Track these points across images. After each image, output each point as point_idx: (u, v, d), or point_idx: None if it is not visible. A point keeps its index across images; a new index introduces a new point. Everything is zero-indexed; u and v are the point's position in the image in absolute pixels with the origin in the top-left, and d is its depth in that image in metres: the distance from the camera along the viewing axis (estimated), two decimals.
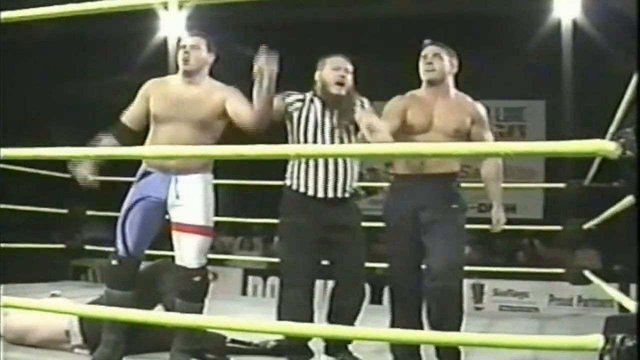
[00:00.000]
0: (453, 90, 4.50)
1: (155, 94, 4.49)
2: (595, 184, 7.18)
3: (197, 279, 4.33)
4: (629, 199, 3.72)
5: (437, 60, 4.42)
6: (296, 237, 4.66)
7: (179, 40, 4.65)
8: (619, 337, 1.79)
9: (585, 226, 7.09)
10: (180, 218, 4.36)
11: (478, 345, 2.11)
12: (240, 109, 4.36)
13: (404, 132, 4.37)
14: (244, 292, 10.67)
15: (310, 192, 4.68)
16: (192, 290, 4.35)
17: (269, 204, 5.41)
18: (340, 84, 4.65)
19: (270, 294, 10.49)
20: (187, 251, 4.33)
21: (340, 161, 4.65)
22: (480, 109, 4.51)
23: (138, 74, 15.68)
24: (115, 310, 3.64)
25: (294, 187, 4.73)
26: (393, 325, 4.39)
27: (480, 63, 13.80)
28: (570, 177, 11.68)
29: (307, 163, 4.65)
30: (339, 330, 3.43)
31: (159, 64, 14.41)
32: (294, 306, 4.60)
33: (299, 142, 4.66)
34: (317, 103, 4.73)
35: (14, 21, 2.60)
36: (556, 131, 13.85)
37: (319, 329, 3.75)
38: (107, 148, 3.07)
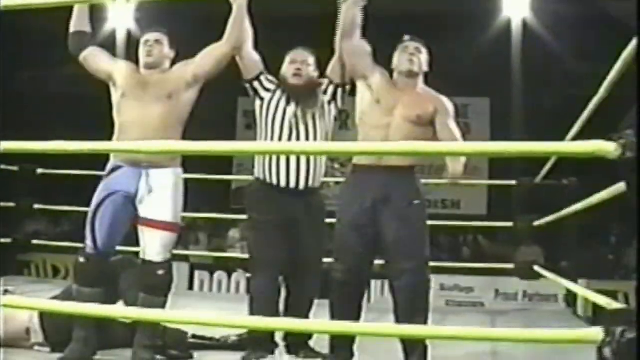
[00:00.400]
0: (421, 85, 4.58)
1: (120, 70, 4.48)
2: (546, 181, 7.29)
3: (160, 272, 4.33)
4: (600, 195, 3.76)
5: (418, 54, 4.53)
6: (268, 230, 4.66)
7: (141, 36, 4.60)
8: (619, 329, 1.84)
9: (536, 223, 7.20)
10: (147, 214, 4.34)
11: (470, 339, 2.14)
12: (207, 51, 4.51)
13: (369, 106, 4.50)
14: (191, 287, 10.60)
15: (282, 184, 4.69)
16: (156, 284, 4.34)
17: (215, 199, 5.41)
18: (297, 75, 4.75)
19: (217, 289, 10.46)
20: (152, 246, 4.33)
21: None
22: (445, 100, 4.54)
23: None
24: (83, 306, 3.59)
25: (262, 178, 4.75)
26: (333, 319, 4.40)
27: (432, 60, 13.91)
28: (514, 174, 11.90)
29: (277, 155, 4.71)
30: (300, 325, 3.40)
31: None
32: (271, 302, 4.63)
33: (265, 127, 4.75)
34: (283, 93, 4.78)
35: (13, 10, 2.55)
36: (500, 129, 14.04)
37: (285, 323, 3.74)
38: (112, 143, 3.02)
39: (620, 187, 2.27)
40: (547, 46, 13.61)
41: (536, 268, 7.17)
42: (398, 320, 4.26)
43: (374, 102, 4.47)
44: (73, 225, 13.43)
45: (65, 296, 4.57)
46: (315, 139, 4.69)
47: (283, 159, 4.66)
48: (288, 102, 4.73)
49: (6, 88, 13.74)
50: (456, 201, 14.99)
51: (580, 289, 5.58)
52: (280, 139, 4.65)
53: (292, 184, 4.68)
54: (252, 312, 4.55)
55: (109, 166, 4.42)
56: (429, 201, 15.01)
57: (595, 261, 10.97)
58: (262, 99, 4.78)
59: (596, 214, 5.53)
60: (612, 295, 6.68)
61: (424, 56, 4.56)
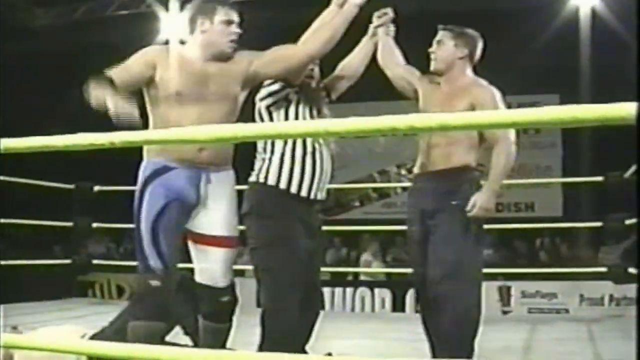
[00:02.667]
0: (464, 76, 4.24)
1: (164, 65, 3.68)
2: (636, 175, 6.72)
3: (225, 299, 3.75)
4: None
5: (440, 48, 4.24)
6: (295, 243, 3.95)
7: (215, 11, 3.71)
8: None
9: (628, 222, 6.64)
10: (208, 228, 3.69)
11: None
12: (278, 50, 3.79)
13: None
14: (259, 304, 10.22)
15: (293, 189, 3.95)
16: (220, 311, 3.77)
17: None
18: (311, 76, 4.12)
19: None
20: (215, 268, 3.70)
21: (326, 159, 4.02)
22: (485, 93, 4.14)
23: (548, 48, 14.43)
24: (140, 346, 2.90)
25: (272, 183, 3.96)
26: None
27: (491, 55, 13.41)
28: (586, 173, 11.38)
29: (292, 158, 3.96)
30: None
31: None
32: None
33: None
34: (296, 94, 4.08)
35: None
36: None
37: None
38: (121, 133, 2.18)
39: None
40: (618, 36, 12.94)
41: (632, 270, 6.61)
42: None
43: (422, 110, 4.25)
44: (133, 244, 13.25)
45: (119, 328, 3.88)
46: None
47: (309, 166, 3.95)
48: (304, 103, 4.07)
49: None
50: (530, 203, 14.39)
51: None
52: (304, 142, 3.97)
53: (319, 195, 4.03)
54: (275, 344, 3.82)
55: (153, 166, 3.63)
56: (500, 204, 14.63)
57: None
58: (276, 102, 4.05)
59: None
60: None
61: (448, 46, 4.22)
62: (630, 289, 8.63)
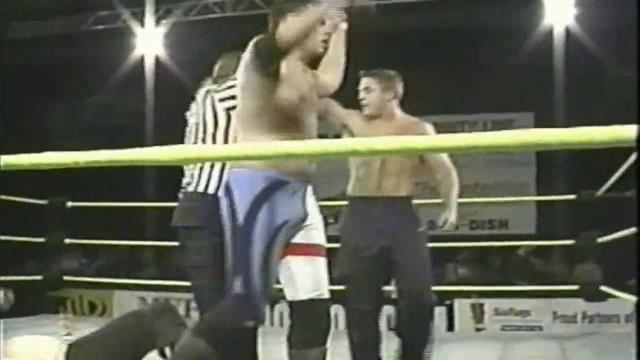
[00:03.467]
0: (396, 115, 4.48)
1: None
2: (610, 194, 6.77)
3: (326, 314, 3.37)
4: None
5: (369, 94, 4.41)
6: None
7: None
8: None
9: (600, 239, 6.67)
10: (310, 237, 3.34)
11: None
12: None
13: None
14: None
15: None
16: (321, 329, 3.34)
17: None
18: None
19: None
20: (322, 276, 3.34)
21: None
22: (426, 129, 4.47)
23: (114, 94, 15.32)
24: None
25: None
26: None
27: (468, 76, 13.49)
28: (560, 190, 11.44)
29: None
30: None
31: (136, 83, 14.08)
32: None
33: None
34: None
35: None
36: None
37: None
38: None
39: None
40: (592, 55, 13.06)
41: (603, 288, 6.64)
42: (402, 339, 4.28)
43: None
44: (110, 260, 13.16)
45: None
46: None
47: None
48: None
49: None
50: (504, 221, 14.42)
51: None
52: None
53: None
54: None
55: (264, 178, 3.20)
56: (475, 222, 14.66)
57: None
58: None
59: None
60: None
61: (375, 93, 4.40)
62: (604, 307, 8.69)
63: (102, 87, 14.31)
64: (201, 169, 3.76)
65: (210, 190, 3.72)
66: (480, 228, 14.22)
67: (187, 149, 3.20)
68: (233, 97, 3.65)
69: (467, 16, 13.33)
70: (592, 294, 6.86)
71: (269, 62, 3.21)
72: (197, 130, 3.85)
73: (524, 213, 14.14)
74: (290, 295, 3.29)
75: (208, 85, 3.99)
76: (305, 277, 3.28)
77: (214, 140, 3.79)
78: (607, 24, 12.79)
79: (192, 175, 3.81)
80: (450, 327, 9.37)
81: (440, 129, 4.26)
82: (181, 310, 10.47)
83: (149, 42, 13.99)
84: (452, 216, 4.51)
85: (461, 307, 9.40)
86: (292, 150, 2.14)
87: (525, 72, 13.20)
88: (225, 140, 3.78)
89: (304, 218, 3.30)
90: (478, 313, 9.53)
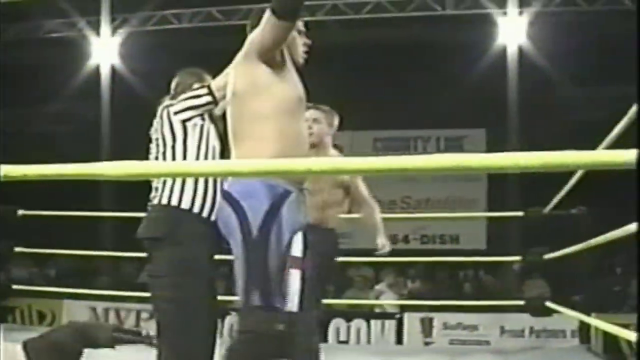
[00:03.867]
0: (330, 148, 4.90)
1: None
2: (556, 211, 6.91)
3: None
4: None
5: (317, 124, 4.78)
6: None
7: None
8: None
9: (547, 256, 6.82)
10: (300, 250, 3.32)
11: None
12: None
13: None
14: None
15: (205, 213, 3.76)
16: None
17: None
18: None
19: None
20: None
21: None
22: None
23: (70, 102, 15.22)
24: None
25: (186, 206, 3.77)
26: None
27: (422, 92, 13.66)
28: (511, 206, 11.62)
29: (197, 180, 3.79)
30: None
31: (91, 91, 14.02)
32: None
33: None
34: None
35: None
36: None
37: None
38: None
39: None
40: (543, 73, 13.31)
41: (548, 304, 6.78)
42: None
43: None
44: (60, 269, 13.08)
45: None
46: None
47: (211, 187, 3.83)
48: (211, 122, 4.01)
49: None
50: (455, 236, 14.59)
51: (607, 326, 5.15)
52: None
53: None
54: None
55: (271, 189, 3.20)
56: (426, 236, 14.81)
57: (604, 294, 10.59)
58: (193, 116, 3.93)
59: (604, 246, 5.22)
60: (625, 328, 6.34)
61: (322, 126, 4.83)
62: (551, 322, 8.84)
63: (57, 95, 14.25)
64: (164, 182, 3.75)
65: (173, 203, 3.73)
66: (431, 242, 14.39)
67: (150, 164, 3.21)
68: (189, 108, 3.77)
69: (422, 33, 13.52)
70: (538, 310, 6.99)
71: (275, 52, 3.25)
72: (157, 145, 3.87)
73: (475, 228, 14.32)
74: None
75: (166, 101, 4.04)
76: (297, 290, 3.23)
77: (173, 153, 3.78)
78: (559, 44, 13.06)
79: (156, 189, 3.81)
80: (399, 340, 9.46)
81: (393, 143, 4.37)
82: (131, 320, 10.46)
83: (105, 51, 13.95)
84: (384, 238, 5.12)
85: (411, 321, 9.50)
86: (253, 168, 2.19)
87: (478, 90, 13.38)
88: (184, 152, 3.79)
89: (305, 224, 3.30)
90: (427, 327, 9.63)
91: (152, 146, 3.97)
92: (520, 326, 9.42)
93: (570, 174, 6.14)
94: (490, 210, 14.00)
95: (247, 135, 3.27)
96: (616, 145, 4.41)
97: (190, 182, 3.73)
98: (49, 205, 8.13)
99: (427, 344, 9.49)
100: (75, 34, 14.02)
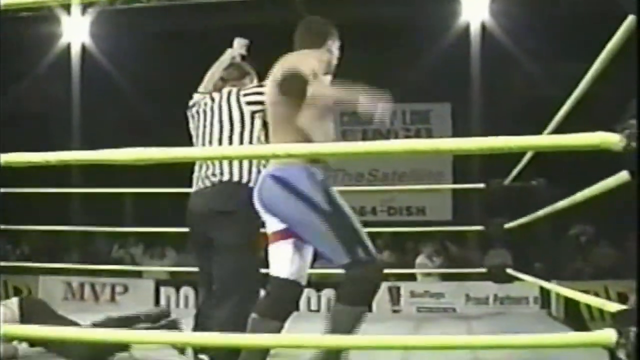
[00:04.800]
0: None
1: None
2: (515, 183, 7.23)
3: None
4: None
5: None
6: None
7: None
8: (633, 330, 1.74)
9: (507, 226, 7.15)
10: None
11: (484, 347, 2.02)
12: None
13: None
14: (157, 304, 10.39)
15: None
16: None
17: (180, 213, 5.17)
18: None
19: (183, 305, 10.27)
20: None
21: None
22: None
23: (40, 81, 15.25)
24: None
25: (245, 181, 4.31)
26: None
27: (386, 65, 13.89)
28: (476, 179, 11.92)
29: None
30: None
31: (62, 70, 14.10)
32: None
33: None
34: None
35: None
36: (462, 133, 13.99)
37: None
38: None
39: (623, 176, 2.17)
40: (506, 49, 13.63)
41: (509, 271, 7.12)
42: None
43: None
44: (34, 246, 13.22)
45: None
46: None
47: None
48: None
49: None
50: (421, 207, 14.92)
51: (565, 291, 5.49)
52: None
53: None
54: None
55: (311, 169, 3.64)
56: (393, 208, 15.07)
57: (565, 262, 10.98)
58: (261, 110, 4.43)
59: (564, 215, 5.51)
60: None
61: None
62: (514, 289, 9.19)
63: (27, 74, 14.32)
64: (230, 162, 4.23)
65: (235, 179, 4.23)
66: (398, 214, 14.71)
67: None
68: (259, 103, 4.23)
69: (388, 10, 13.73)
70: (500, 277, 7.33)
71: None
72: (221, 127, 4.32)
73: (441, 200, 14.65)
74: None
75: (228, 87, 4.45)
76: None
77: (241, 140, 4.27)
78: (522, 20, 13.37)
79: (221, 167, 4.25)
80: (368, 308, 9.73)
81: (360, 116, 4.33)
82: (107, 294, 10.68)
83: (76, 30, 14.02)
84: None
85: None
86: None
87: (444, 65, 13.66)
88: (250, 141, 4.31)
89: None
90: (395, 296, 9.95)
91: (207, 127, 4.35)
92: (485, 294, 9.76)
93: None
94: (455, 182, 14.30)
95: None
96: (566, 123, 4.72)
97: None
98: (17, 183, 8.29)
99: (395, 311, 9.80)
100: (45, 13, 14.08)
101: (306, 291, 9.64)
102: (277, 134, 3.69)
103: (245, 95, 4.36)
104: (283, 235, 3.71)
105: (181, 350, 4.47)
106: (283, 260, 3.70)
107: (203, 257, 4.35)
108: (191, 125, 4.50)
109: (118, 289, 10.65)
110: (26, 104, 15.15)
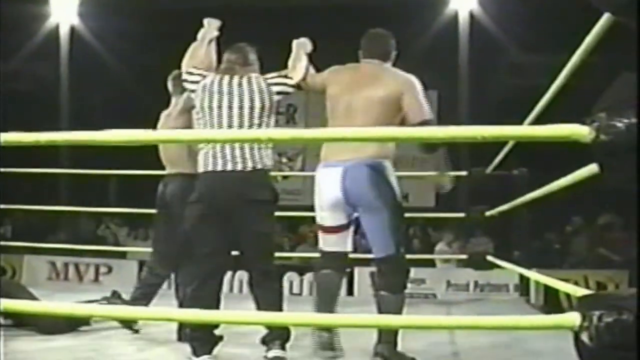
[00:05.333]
0: None
1: None
2: (497, 172, 7.33)
3: None
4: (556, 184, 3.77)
5: None
6: None
7: None
8: (596, 314, 1.82)
9: (488, 213, 7.25)
10: None
11: (449, 327, 2.11)
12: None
13: None
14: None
15: None
16: None
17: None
18: None
19: (166, 286, 10.30)
20: None
21: None
22: None
23: (28, 61, 15.20)
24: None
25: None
26: None
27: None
28: (460, 166, 12.00)
29: None
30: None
31: (50, 51, 14.08)
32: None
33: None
34: None
35: None
36: (448, 121, 14.04)
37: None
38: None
39: (592, 169, 2.26)
40: (494, 38, 13.71)
41: (489, 258, 7.23)
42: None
43: None
44: (17, 226, 13.23)
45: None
46: None
47: None
48: None
49: None
50: (404, 194, 14.98)
51: (543, 278, 5.59)
52: None
53: None
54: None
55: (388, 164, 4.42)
56: None
57: (545, 250, 11.11)
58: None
59: (545, 204, 5.60)
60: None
61: None
62: (495, 276, 9.30)
63: (15, 55, 14.30)
64: (251, 147, 4.30)
65: (268, 166, 4.41)
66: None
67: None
68: (285, 93, 4.48)
69: None
70: (480, 264, 7.45)
71: None
72: (251, 111, 4.34)
73: (424, 187, 14.73)
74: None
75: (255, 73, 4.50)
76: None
77: (268, 124, 4.38)
78: (509, 10, 13.44)
79: (251, 152, 4.34)
80: (350, 292, 9.83)
81: None
82: (91, 274, 10.73)
83: (64, 10, 14.00)
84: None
85: (361, 274, 9.87)
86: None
87: (431, 53, 13.73)
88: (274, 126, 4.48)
89: None
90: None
91: (216, 105, 4.36)
92: (465, 280, 9.87)
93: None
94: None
95: None
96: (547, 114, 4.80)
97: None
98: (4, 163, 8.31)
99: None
100: None
101: (289, 275, 9.80)
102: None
103: (274, 84, 4.43)
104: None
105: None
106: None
107: (210, 235, 4.34)
108: (197, 103, 4.47)
109: (102, 269, 10.70)
110: (14, 83, 15.14)
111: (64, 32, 14.04)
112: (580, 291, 3.22)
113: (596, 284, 9.53)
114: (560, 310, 7.94)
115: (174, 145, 4.92)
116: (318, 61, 4.70)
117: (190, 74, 4.50)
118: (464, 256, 7.78)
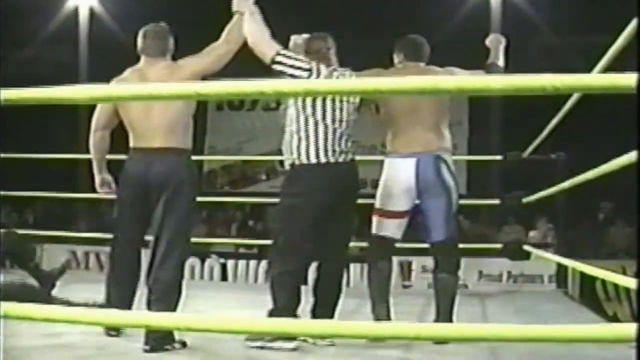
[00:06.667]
0: None
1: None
2: (534, 156, 6.95)
3: None
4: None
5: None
6: None
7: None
8: None
9: (525, 200, 6.86)
10: None
11: (500, 340, 1.75)
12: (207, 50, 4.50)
13: None
14: None
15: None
16: None
17: None
18: None
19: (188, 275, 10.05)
20: None
21: None
22: None
23: (47, 46, 15.13)
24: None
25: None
26: None
27: (404, 31, 13.63)
28: (493, 151, 11.66)
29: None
30: None
31: (69, 35, 13.90)
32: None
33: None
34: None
35: None
36: (479, 105, 13.75)
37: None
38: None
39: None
40: (527, 20, 13.35)
41: (526, 247, 6.84)
42: None
43: None
44: (40, 213, 13.05)
45: None
46: None
47: None
48: None
49: None
50: None
51: (586, 268, 5.23)
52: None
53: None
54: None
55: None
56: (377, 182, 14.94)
57: (582, 240, 10.70)
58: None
59: (583, 192, 5.29)
60: None
61: None
62: (528, 267, 8.92)
63: (34, 39, 14.11)
64: (347, 140, 4.58)
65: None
66: None
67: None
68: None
69: None
70: (515, 253, 7.07)
71: None
72: (342, 108, 4.56)
73: (456, 173, 14.36)
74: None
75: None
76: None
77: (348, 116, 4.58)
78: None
79: (346, 144, 4.60)
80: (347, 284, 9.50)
81: None
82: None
83: None
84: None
85: (355, 268, 9.55)
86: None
87: (461, 34, 13.39)
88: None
89: None
90: (406, 271, 9.69)
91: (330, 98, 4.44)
92: (498, 271, 9.49)
93: (550, 119, 6.16)
94: (470, 155, 14.04)
95: None
96: None
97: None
98: (26, 149, 8.10)
99: (405, 287, 9.55)
100: None
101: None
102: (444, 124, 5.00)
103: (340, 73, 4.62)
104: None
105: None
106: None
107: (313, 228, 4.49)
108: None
109: None
110: (33, 68, 14.96)
111: (83, 15, 13.82)
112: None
113: (635, 275, 9.13)
114: (597, 302, 7.57)
115: (171, 110, 4.42)
116: (347, 47, 4.86)
117: (289, 57, 4.44)
118: (498, 245, 7.39)
